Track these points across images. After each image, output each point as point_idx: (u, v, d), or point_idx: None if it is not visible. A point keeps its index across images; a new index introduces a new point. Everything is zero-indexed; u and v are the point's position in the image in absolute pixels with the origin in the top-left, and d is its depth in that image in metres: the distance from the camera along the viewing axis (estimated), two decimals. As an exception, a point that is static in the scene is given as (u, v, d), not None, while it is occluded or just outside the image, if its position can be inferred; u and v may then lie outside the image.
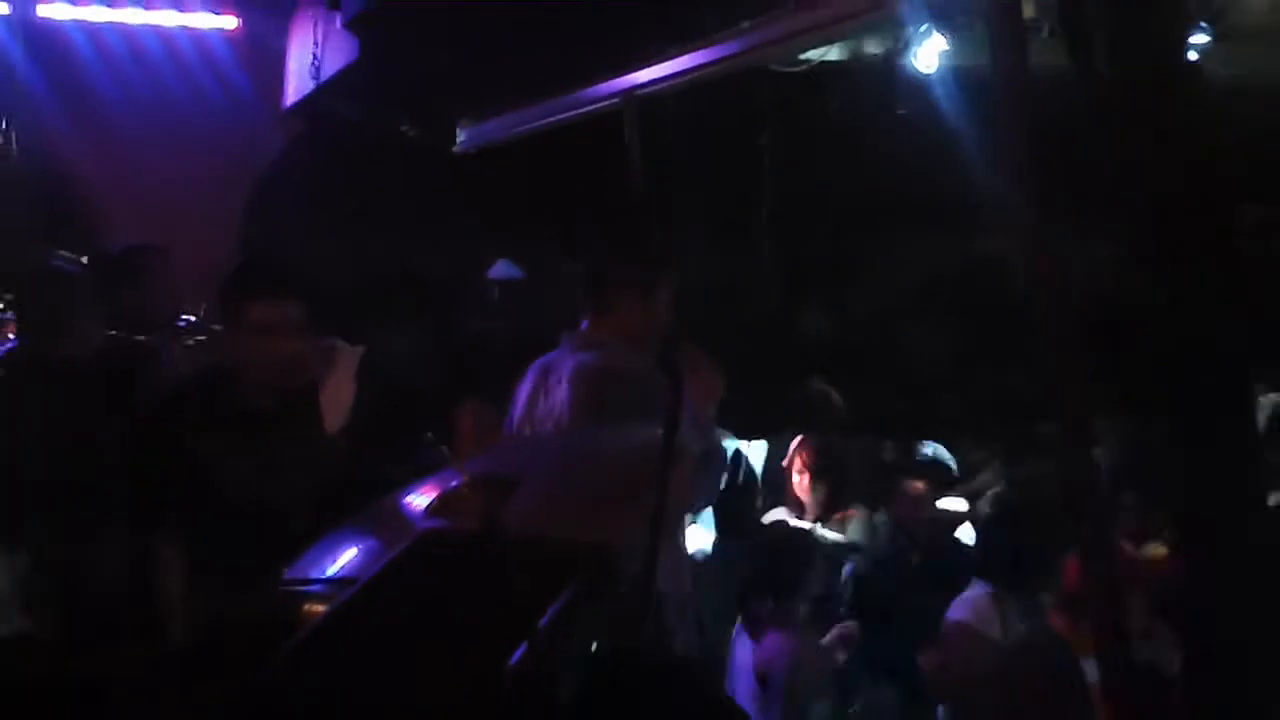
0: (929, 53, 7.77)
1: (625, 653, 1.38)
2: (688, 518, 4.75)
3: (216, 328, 5.27)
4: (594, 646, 1.39)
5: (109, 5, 8.21)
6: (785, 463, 6.56)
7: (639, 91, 7.53)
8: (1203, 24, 7.15)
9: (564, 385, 3.97)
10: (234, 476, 3.71)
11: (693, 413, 3.82)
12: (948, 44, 7.74)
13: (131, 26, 8.40)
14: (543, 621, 1.32)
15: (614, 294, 4.06)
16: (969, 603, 4.98)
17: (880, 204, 9.86)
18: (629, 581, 1.47)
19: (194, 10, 8.54)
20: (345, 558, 2.93)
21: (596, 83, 7.79)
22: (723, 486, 4.62)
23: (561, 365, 4.05)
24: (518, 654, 1.27)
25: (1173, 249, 1.62)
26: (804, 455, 6.49)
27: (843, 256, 10.79)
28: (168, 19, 8.50)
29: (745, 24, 6.76)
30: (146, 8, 8.37)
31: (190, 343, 5.53)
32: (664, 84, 7.37)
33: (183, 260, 5.57)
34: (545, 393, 4.07)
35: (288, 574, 2.90)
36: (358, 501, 3.11)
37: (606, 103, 7.78)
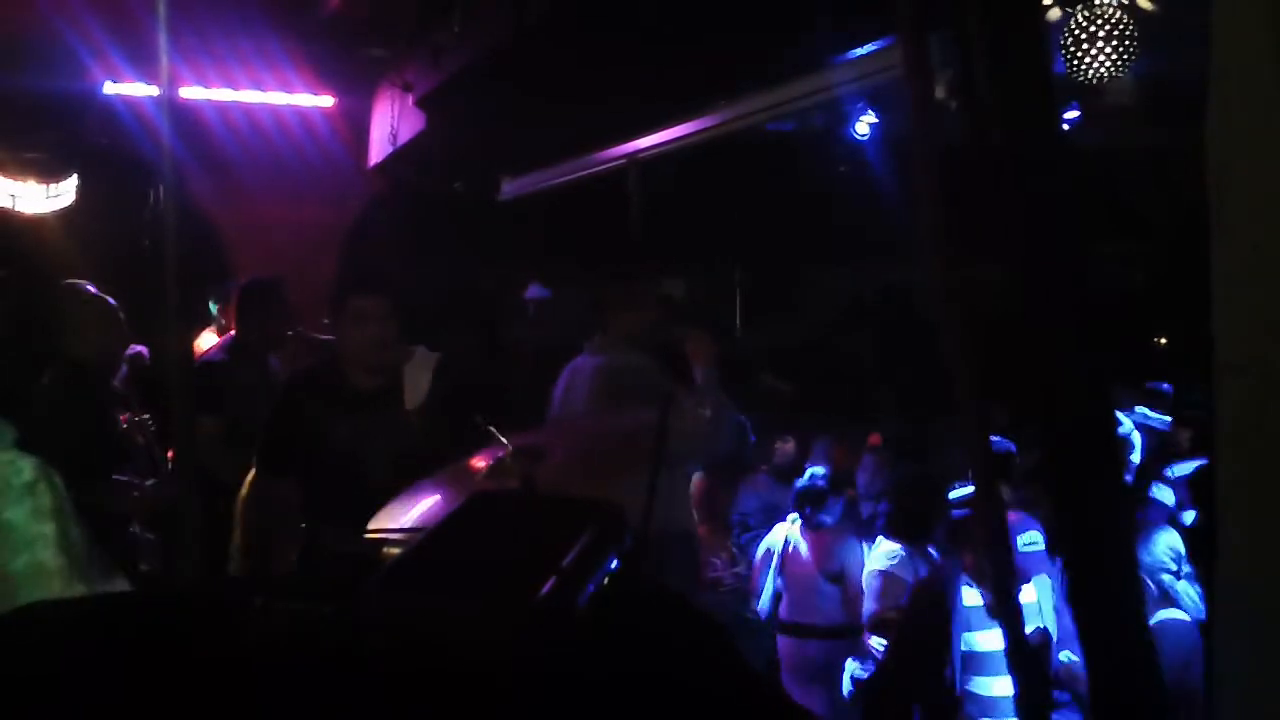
0: (863, 124, 7.79)
1: (627, 584, 1.38)
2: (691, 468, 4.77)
3: (318, 336, 5.30)
4: (605, 581, 1.40)
5: (233, 89, 8.21)
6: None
7: (640, 155, 7.56)
8: (1074, 102, 7.16)
9: (586, 380, 4.05)
10: (338, 439, 3.75)
11: (700, 380, 3.89)
12: (877, 117, 7.75)
13: (251, 105, 8.41)
14: (566, 561, 1.32)
15: (614, 311, 4.17)
16: (885, 557, 5.00)
17: (823, 242, 9.87)
18: (633, 529, 1.48)
19: (299, 92, 8.53)
20: (419, 508, 2.94)
21: (606, 148, 7.81)
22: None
23: (584, 366, 4.13)
24: (547, 585, 1.27)
25: (1039, 278, 1.63)
26: None
27: (794, 283, 10.81)
28: (279, 99, 8.50)
29: (720, 103, 6.78)
30: (262, 90, 8.36)
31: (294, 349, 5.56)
32: (659, 149, 7.41)
33: (294, 288, 5.60)
34: (572, 388, 4.13)
35: (373, 520, 2.92)
36: (428, 465, 3.13)
37: (614, 163, 7.82)
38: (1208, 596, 4.00)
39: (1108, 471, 1.53)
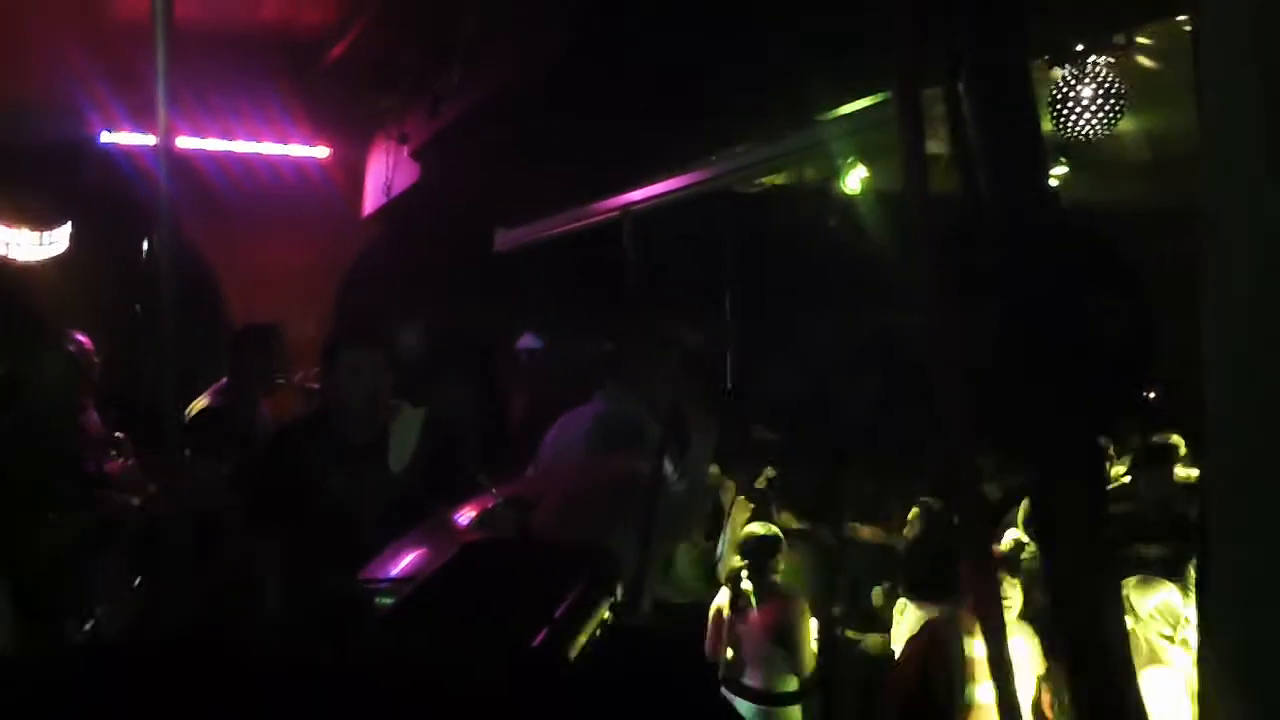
0: (854, 179, 7.85)
1: (620, 634, 1.38)
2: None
3: (309, 385, 5.29)
4: (597, 631, 1.39)
5: (229, 139, 8.26)
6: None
7: (634, 207, 7.60)
8: (1062, 158, 7.23)
9: (581, 428, 4.04)
10: (327, 491, 3.73)
11: (692, 446, 3.89)
12: (868, 172, 7.81)
13: (245, 155, 8.47)
14: (559, 611, 1.32)
15: (629, 366, 4.16)
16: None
17: (816, 293, 9.92)
18: (624, 579, 1.47)
19: (295, 142, 8.59)
20: (407, 560, 2.93)
21: (600, 200, 7.85)
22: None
23: (583, 413, 4.13)
24: (539, 636, 1.27)
25: (1029, 329, 1.64)
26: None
27: (788, 333, 10.83)
28: (274, 149, 8.55)
29: (713, 157, 6.83)
30: (258, 140, 8.42)
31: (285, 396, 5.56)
32: (653, 201, 7.44)
33: (288, 336, 5.60)
34: (565, 435, 4.12)
35: (363, 572, 2.90)
36: (417, 519, 3.11)
37: (608, 215, 7.85)
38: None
39: (1094, 523, 1.53)
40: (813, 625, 5.31)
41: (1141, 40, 5.26)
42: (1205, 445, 1.42)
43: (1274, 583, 1.34)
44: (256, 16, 7.01)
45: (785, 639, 5.17)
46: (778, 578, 5.31)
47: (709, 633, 5.39)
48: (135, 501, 4.40)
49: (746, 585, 5.28)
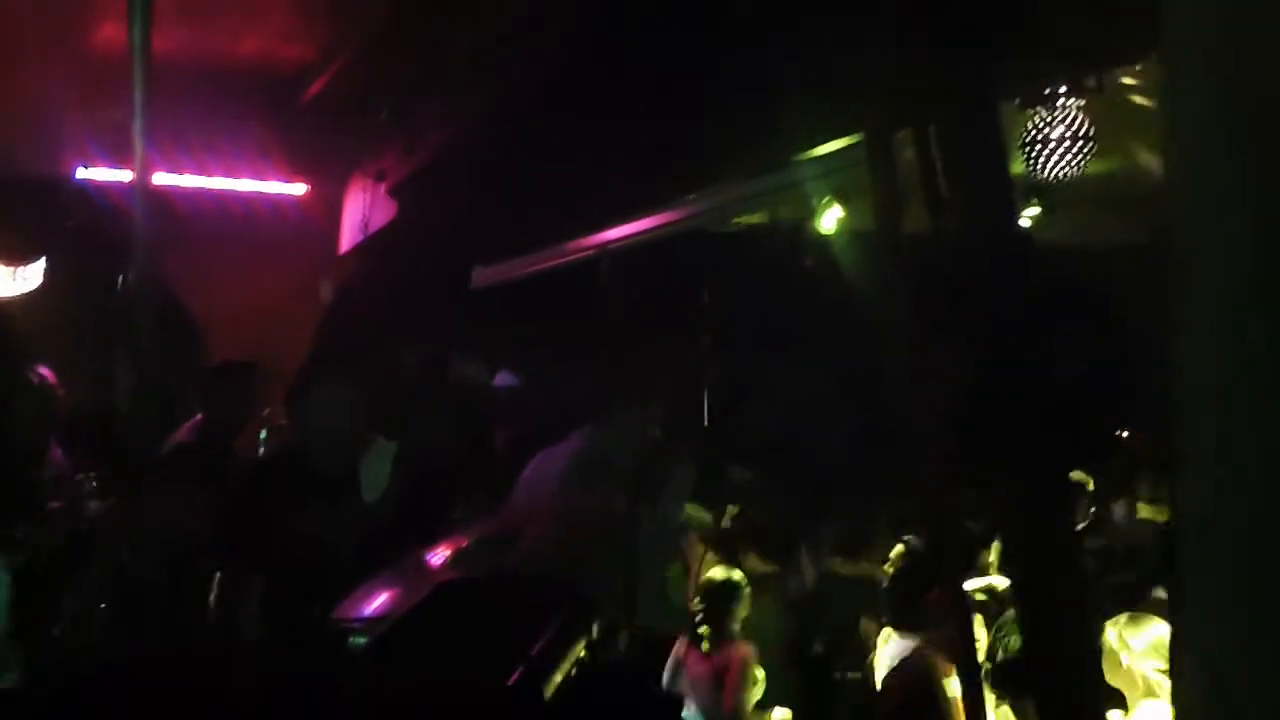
0: (830, 218, 7.90)
1: (596, 671, 1.38)
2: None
3: (283, 423, 5.27)
4: (573, 670, 1.38)
5: (205, 175, 8.26)
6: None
7: (610, 245, 7.63)
8: (1034, 199, 7.30)
9: (562, 465, 4.04)
10: (299, 527, 3.71)
11: (668, 488, 3.90)
12: (844, 212, 7.87)
13: (222, 191, 8.46)
14: (534, 649, 1.31)
15: (609, 406, 4.18)
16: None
17: (792, 332, 9.95)
18: (603, 617, 1.47)
19: (272, 178, 8.59)
20: (380, 600, 2.91)
21: (577, 238, 7.87)
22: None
23: (561, 451, 4.13)
24: (515, 675, 1.26)
25: (1002, 368, 1.66)
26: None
27: (765, 371, 10.85)
28: (251, 186, 8.55)
29: (691, 196, 6.86)
30: (234, 177, 8.42)
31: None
32: (630, 240, 7.46)
33: (265, 369, 5.57)
34: (542, 470, 4.12)
35: (335, 611, 2.88)
36: (391, 554, 3.10)
37: (585, 253, 7.87)
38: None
39: (1065, 557, 1.54)
40: (759, 676, 5.18)
41: (1126, 80, 5.34)
42: (1174, 478, 1.43)
43: (1241, 612, 1.35)
44: (234, 53, 7.02)
45: (729, 689, 5.08)
46: (737, 625, 5.22)
47: (666, 674, 5.31)
48: (99, 535, 4.35)
49: (702, 629, 5.18)
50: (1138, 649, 4.28)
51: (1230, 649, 1.36)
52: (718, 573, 5.36)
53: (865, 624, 5.73)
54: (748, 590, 5.28)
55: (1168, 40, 1.46)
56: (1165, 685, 4.26)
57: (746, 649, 5.19)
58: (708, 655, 5.14)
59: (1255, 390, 1.36)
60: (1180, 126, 1.46)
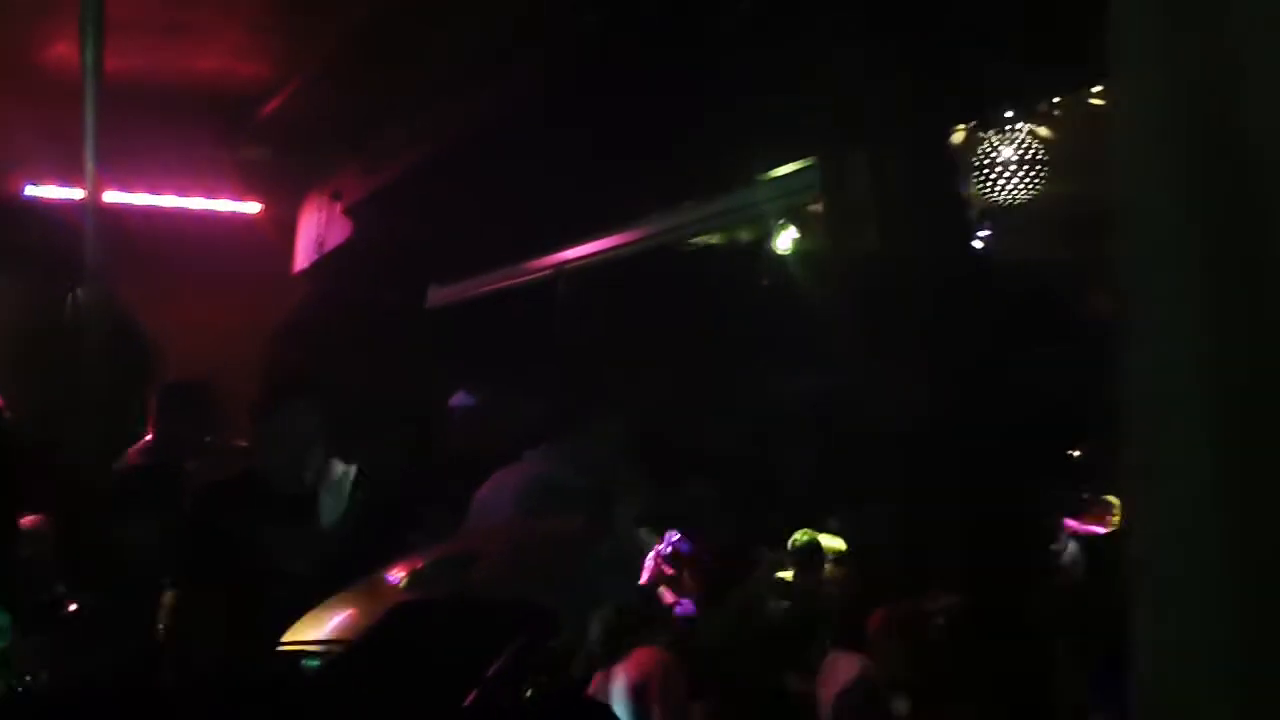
0: (785, 239, 7.95)
1: (557, 693, 1.37)
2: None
3: (238, 443, 5.21)
4: (529, 690, 1.38)
5: (157, 193, 8.19)
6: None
7: (568, 265, 7.64)
8: (987, 220, 7.39)
9: (516, 487, 4.03)
10: (256, 550, 3.67)
11: (623, 508, 3.90)
12: (798, 232, 7.92)
13: (174, 210, 8.38)
14: (491, 670, 1.31)
15: (564, 427, 4.18)
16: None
17: (748, 349, 9.99)
18: (561, 640, 1.47)
19: (225, 197, 8.52)
20: (335, 620, 2.89)
21: (534, 258, 7.88)
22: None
23: (515, 472, 4.12)
24: (470, 697, 1.26)
25: (957, 385, 1.68)
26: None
27: (721, 387, 10.88)
28: (204, 204, 8.48)
29: (648, 217, 6.90)
30: (187, 195, 8.35)
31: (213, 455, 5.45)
32: (587, 259, 7.48)
33: (219, 389, 5.51)
34: (497, 492, 4.11)
35: (291, 632, 2.86)
36: (349, 576, 3.08)
37: (542, 273, 7.88)
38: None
39: (1027, 569, 1.56)
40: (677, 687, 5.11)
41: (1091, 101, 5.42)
42: (1123, 494, 1.45)
43: (1192, 620, 1.37)
44: (188, 71, 6.97)
45: (648, 700, 5.01)
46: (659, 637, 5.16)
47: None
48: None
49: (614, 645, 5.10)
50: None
51: (1185, 670, 1.38)
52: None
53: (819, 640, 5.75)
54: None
55: (1115, 65, 1.49)
56: None
57: (661, 654, 5.09)
58: (622, 666, 5.08)
59: (1203, 406, 1.38)
60: (1128, 148, 1.49)
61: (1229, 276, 1.37)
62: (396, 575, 3.01)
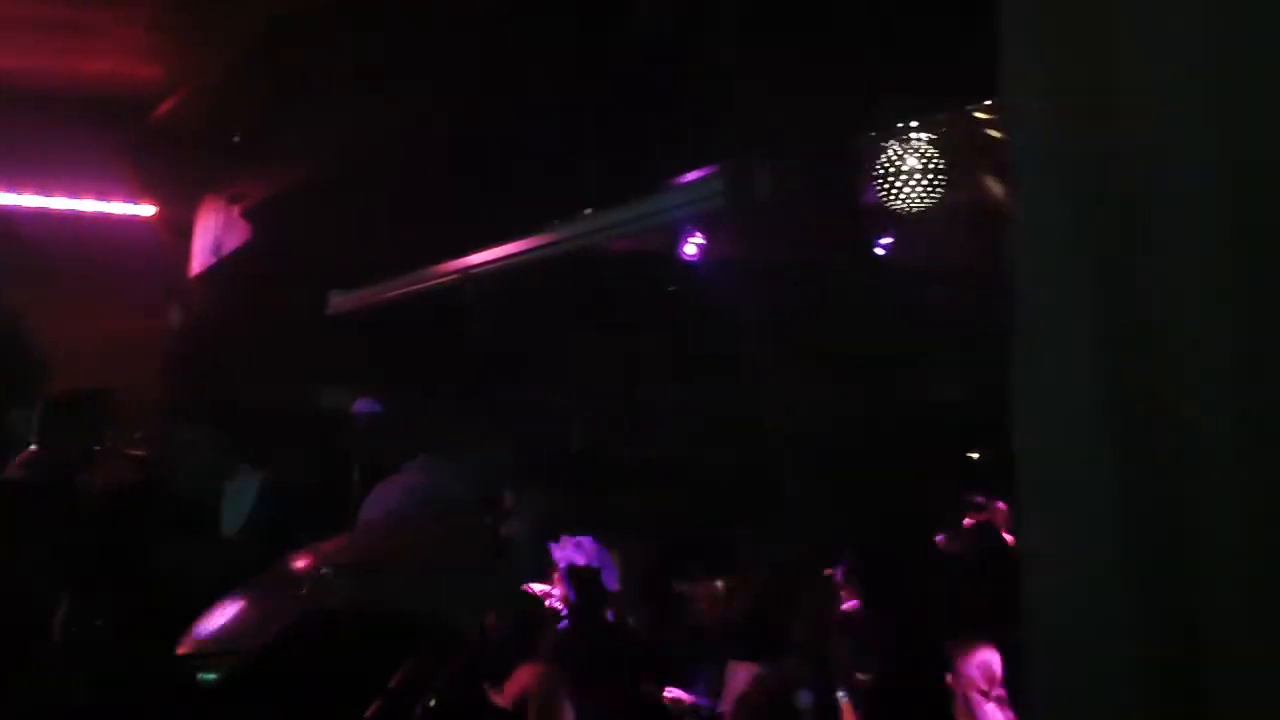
0: (692, 246, 8.02)
1: (457, 701, 1.37)
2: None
3: (132, 452, 5.09)
4: (432, 701, 1.38)
5: (46, 196, 7.97)
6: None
7: (473, 271, 7.60)
8: (890, 227, 7.53)
9: (394, 501, 3.97)
10: (155, 559, 3.61)
11: (511, 518, 3.88)
12: (704, 239, 7.99)
13: (65, 212, 8.17)
14: (392, 683, 1.31)
15: (443, 435, 4.15)
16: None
17: (654, 356, 10.04)
18: (464, 646, 1.47)
19: (118, 199, 8.32)
20: (234, 623, 2.85)
21: (439, 263, 7.83)
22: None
23: (394, 484, 4.06)
24: (372, 709, 1.25)
25: (857, 393, 1.72)
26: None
27: (630, 396, 10.91)
28: (97, 206, 8.28)
29: (555, 223, 6.89)
30: (79, 197, 8.15)
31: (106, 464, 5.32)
32: (493, 265, 7.45)
33: (113, 397, 5.37)
34: (378, 504, 4.05)
35: (188, 633, 2.81)
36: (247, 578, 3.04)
37: (448, 279, 7.83)
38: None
39: (915, 572, 1.60)
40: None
41: (977, 115, 5.56)
42: (1018, 508, 1.49)
43: (1086, 646, 1.41)
44: (81, 70, 6.80)
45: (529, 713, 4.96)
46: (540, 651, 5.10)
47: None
48: None
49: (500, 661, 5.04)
50: (964, 671, 4.45)
51: (1071, 676, 1.42)
52: (534, 589, 5.29)
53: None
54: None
55: (1007, 85, 1.53)
56: (985, 707, 4.44)
57: (543, 670, 5.02)
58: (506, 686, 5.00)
59: (1097, 417, 1.42)
60: (1021, 165, 1.53)
61: (1119, 289, 1.41)
62: (300, 583, 2.98)
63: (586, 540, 6.42)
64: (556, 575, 6.08)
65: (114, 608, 3.61)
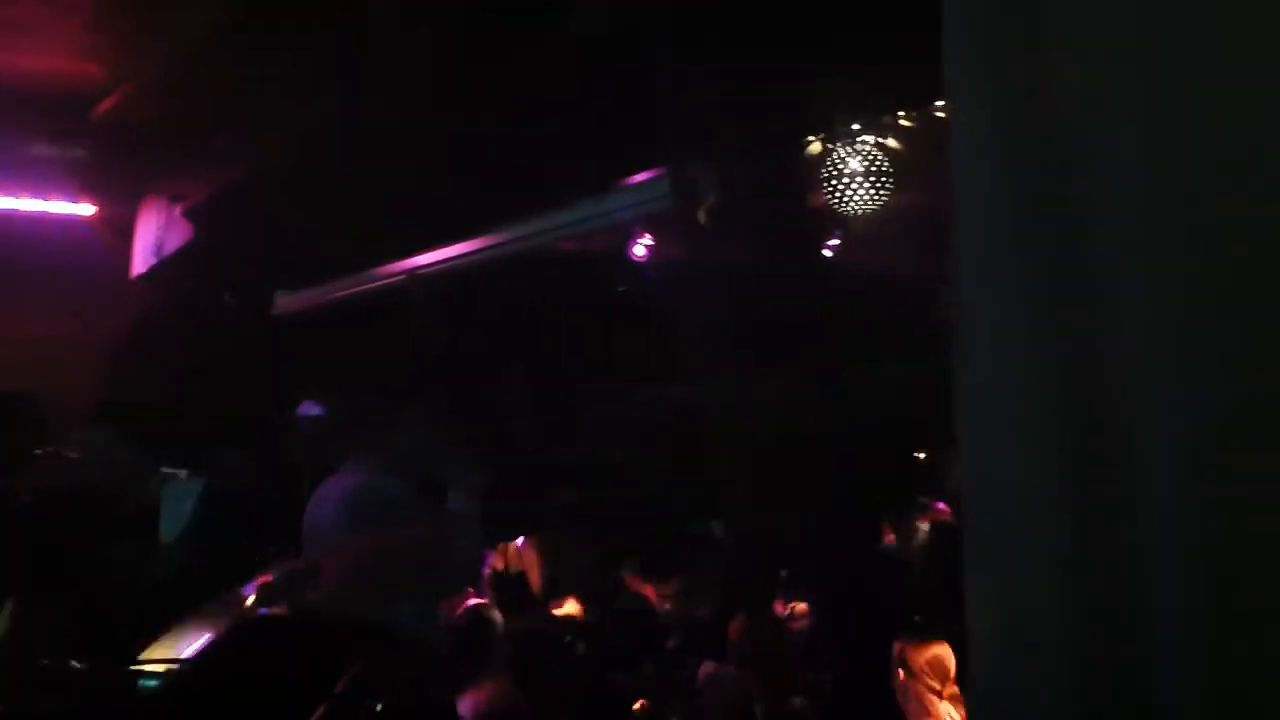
0: (639, 246, 8.04)
1: (404, 709, 1.36)
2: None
3: (71, 455, 5.00)
4: (378, 707, 1.37)
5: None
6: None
7: (419, 272, 7.55)
8: (837, 231, 7.60)
9: (336, 503, 3.95)
10: (95, 566, 3.55)
11: (454, 517, 3.86)
12: (652, 240, 8.02)
13: (4, 211, 8.01)
14: (338, 687, 1.29)
15: (375, 434, 4.13)
16: None
17: (601, 356, 10.04)
18: (409, 649, 1.46)
19: (56, 198, 8.17)
20: (192, 639, 2.82)
21: (385, 264, 7.77)
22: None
23: (333, 486, 4.04)
24: (316, 714, 1.24)
25: (804, 390, 1.73)
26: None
27: (576, 399, 10.91)
28: (33, 205, 8.12)
29: (502, 223, 6.87)
30: (14, 196, 7.99)
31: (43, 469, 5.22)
32: (440, 266, 7.41)
33: (46, 404, 5.26)
34: (320, 507, 4.02)
35: (147, 653, 2.78)
36: (190, 593, 3.01)
37: (393, 279, 7.77)
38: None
39: (869, 575, 1.61)
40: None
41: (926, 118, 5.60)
42: (960, 505, 1.51)
43: (1026, 649, 1.43)
44: (17, 67, 6.67)
45: None
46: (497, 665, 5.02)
47: None
48: None
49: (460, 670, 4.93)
50: (916, 667, 4.49)
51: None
52: (474, 605, 5.13)
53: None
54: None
55: (950, 86, 1.55)
56: (938, 704, 4.49)
57: (505, 686, 4.92)
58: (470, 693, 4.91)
59: (1038, 420, 1.44)
60: (962, 165, 1.55)
61: (1060, 289, 1.43)
62: (250, 590, 2.96)
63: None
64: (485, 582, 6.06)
65: (49, 612, 3.55)
